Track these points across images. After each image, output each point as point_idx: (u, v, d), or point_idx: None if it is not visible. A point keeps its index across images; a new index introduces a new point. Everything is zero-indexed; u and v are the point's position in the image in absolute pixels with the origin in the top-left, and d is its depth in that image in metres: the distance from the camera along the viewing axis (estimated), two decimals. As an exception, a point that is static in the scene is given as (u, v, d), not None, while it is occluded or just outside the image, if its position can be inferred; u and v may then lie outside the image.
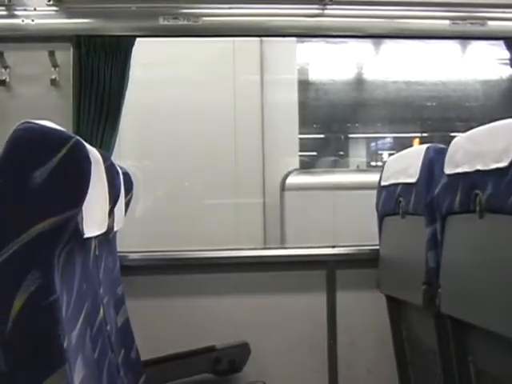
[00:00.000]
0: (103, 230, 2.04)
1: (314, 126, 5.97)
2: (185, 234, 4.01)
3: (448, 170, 2.33)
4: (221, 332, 3.36)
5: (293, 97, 4.80)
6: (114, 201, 2.20)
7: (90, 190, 1.49)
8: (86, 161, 1.48)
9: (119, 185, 2.34)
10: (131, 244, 3.46)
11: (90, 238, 1.87)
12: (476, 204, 2.10)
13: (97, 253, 2.12)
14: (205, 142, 4.37)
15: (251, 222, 4.50)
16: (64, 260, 1.52)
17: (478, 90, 5.55)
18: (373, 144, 7.40)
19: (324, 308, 3.51)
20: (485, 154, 2.04)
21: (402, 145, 5.65)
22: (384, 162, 3.45)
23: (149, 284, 3.40)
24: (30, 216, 1.41)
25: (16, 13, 3.32)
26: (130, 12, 3.38)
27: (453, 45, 5.15)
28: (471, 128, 2.23)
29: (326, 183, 4.84)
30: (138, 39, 3.37)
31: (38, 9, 3.32)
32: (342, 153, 6.34)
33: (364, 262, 3.46)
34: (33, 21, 3.32)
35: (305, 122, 5.14)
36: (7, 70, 3.34)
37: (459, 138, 2.30)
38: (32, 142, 1.44)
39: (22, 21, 3.32)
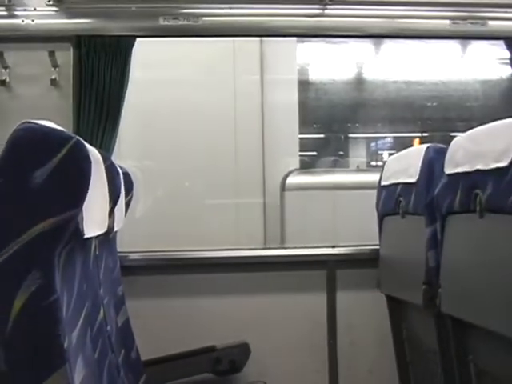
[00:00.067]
0: (103, 230, 2.04)
1: (314, 125, 5.97)
2: (185, 234, 4.00)
3: (448, 170, 2.33)
4: (221, 332, 3.36)
5: (293, 97, 4.80)
6: (114, 201, 2.20)
7: (90, 190, 1.49)
8: (86, 161, 1.48)
9: (119, 185, 2.34)
10: (131, 244, 3.46)
11: (90, 238, 1.88)
12: (476, 204, 2.10)
13: (97, 253, 2.12)
14: (205, 142, 4.37)
15: (251, 221, 4.49)
16: (64, 260, 1.52)
17: (478, 90, 5.55)
18: (373, 144, 7.40)
19: (324, 308, 3.51)
20: (485, 154, 2.04)
21: (402, 145, 5.64)
22: (384, 162, 3.45)
23: (149, 284, 3.40)
24: (30, 216, 1.41)
25: (16, 13, 3.32)
26: (130, 12, 3.38)
27: (453, 44, 5.15)
28: (471, 128, 2.23)
29: (326, 183, 4.83)
30: (138, 39, 3.37)
31: (38, 9, 3.32)
32: (342, 153, 6.33)
33: (364, 261, 3.46)
34: (33, 21, 3.32)
35: (305, 122, 5.13)
36: (7, 70, 3.34)
37: (459, 138, 2.30)
38: (32, 142, 1.44)
39: (22, 21, 3.32)
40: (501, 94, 5.44)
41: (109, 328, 2.21)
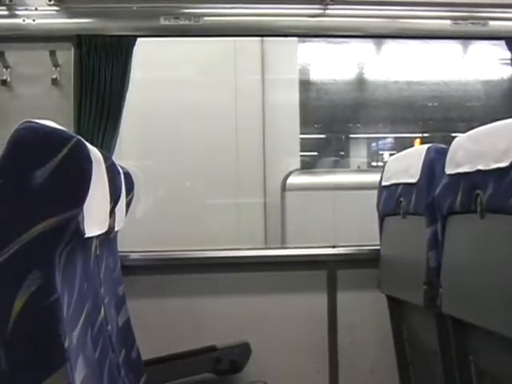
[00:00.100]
0: (104, 229, 2.04)
1: (315, 126, 5.97)
2: (186, 234, 4.01)
3: (449, 170, 2.33)
4: (221, 332, 3.36)
5: (294, 97, 4.80)
6: (114, 201, 2.20)
7: (90, 190, 1.49)
8: (87, 160, 1.48)
9: (120, 185, 2.34)
10: (131, 244, 3.46)
11: (90, 238, 1.88)
12: (477, 204, 2.10)
13: (98, 253, 2.12)
14: (206, 141, 4.37)
15: (252, 221, 4.50)
16: (65, 260, 1.52)
17: (479, 90, 5.55)
18: (374, 144, 7.40)
19: (325, 308, 3.51)
20: (486, 154, 2.04)
21: (403, 145, 5.65)
22: (385, 162, 3.45)
23: (150, 284, 3.40)
24: (30, 216, 1.41)
25: (17, 12, 3.32)
26: (131, 12, 3.38)
27: (454, 45, 5.15)
28: (472, 128, 2.23)
29: (326, 183, 4.84)
30: (139, 39, 3.37)
31: (39, 8, 3.32)
32: (342, 153, 6.34)
33: (365, 262, 3.46)
34: (34, 20, 3.32)
35: (306, 122, 5.14)
36: (8, 69, 3.34)
37: (460, 138, 2.30)
38: (33, 142, 1.44)
39: (23, 20, 3.32)
40: (502, 94, 5.44)
41: (109, 328, 2.21)
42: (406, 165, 2.93)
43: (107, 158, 2.04)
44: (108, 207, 2.06)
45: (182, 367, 3.22)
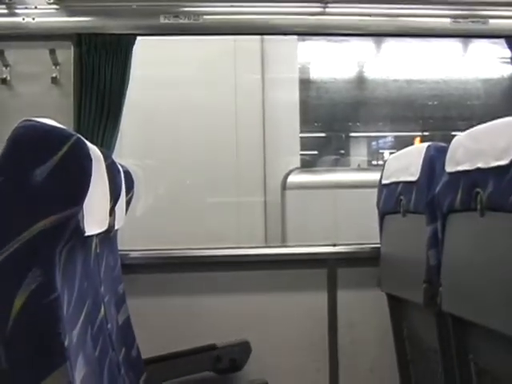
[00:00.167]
0: (104, 228, 2.04)
1: (315, 124, 5.97)
2: (186, 233, 4.01)
3: (449, 168, 2.33)
4: (222, 330, 3.36)
5: (294, 95, 4.80)
6: (114, 199, 2.20)
7: (90, 188, 1.49)
8: (87, 159, 1.48)
9: (120, 183, 2.34)
10: (132, 243, 3.46)
11: (91, 237, 1.88)
12: (477, 202, 2.10)
13: (98, 251, 2.12)
14: (206, 140, 4.37)
15: (252, 220, 4.50)
16: (65, 258, 1.52)
17: (479, 89, 5.55)
18: (374, 143, 7.40)
19: (325, 306, 3.51)
20: (486, 152, 2.04)
21: (403, 143, 5.64)
22: (385, 161, 3.45)
23: (150, 282, 3.40)
24: (30, 214, 1.41)
25: (17, 11, 3.32)
26: (131, 10, 3.37)
27: (454, 43, 5.15)
28: (472, 127, 2.23)
29: (327, 182, 4.84)
30: (138, 37, 3.37)
31: (38, 7, 3.32)
32: (343, 151, 6.34)
33: (365, 260, 3.46)
34: (33, 19, 3.32)
35: (306, 121, 5.14)
36: (8, 68, 3.34)
37: (460, 136, 2.30)
38: (33, 140, 1.44)
39: (23, 19, 3.32)
40: (502, 92, 5.44)
41: (109, 326, 2.21)
42: (406, 163, 2.93)
43: (107, 157, 2.04)
44: (108, 206, 2.06)
45: (182, 366, 3.22)
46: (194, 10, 3.39)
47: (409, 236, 2.94)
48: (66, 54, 3.35)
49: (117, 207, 2.30)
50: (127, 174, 2.74)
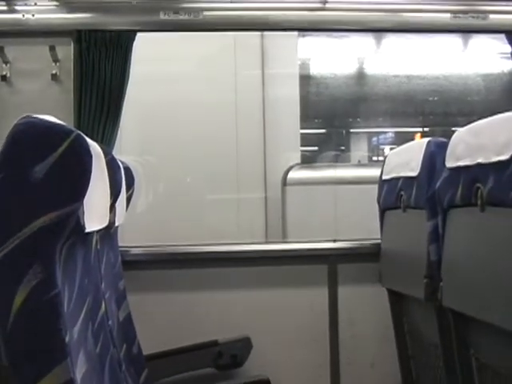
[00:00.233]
0: (104, 224, 2.04)
1: (316, 120, 5.98)
2: (186, 229, 4.01)
3: (449, 164, 2.33)
4: (223, 326, 3.36)
5: (294, 91, 4.80)
6: (115, 195, 2.20)
7: (91, 185, 1.49)
8: (87, 155, 1.48)
9: (120, 179, 2.34)
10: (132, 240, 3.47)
11: (91, 233, 1.88)
12: (477, 197, 2.10)
13: (98, 247, 2.12)
14: (206, 136, 4.37)
15: (253, 216, 4.50)
16: (65, 254, 1.52)
17: (479, 84, 5.55)
18: (374, 138, 7.41)
19: (326, 302, 3.51)
20: (486, 147, 2.04)
21: (403, 139, 5.65)
22: (385, 156, 3.45)
23: (150, 279, 3.40)
24: (31, 210, 1.41)
25: (16, 8, 3.32)
26: (131, 6, 3.37)
27: (454, 38, 5.15)
28: (473, 122, 2.23)
29: (327, 178, 4.84)
30: (138, 34, 3.37)
31: (38, 3, 3.32)
32: (343, 147, 6.35)
33: (366, 256, 3.46)
34: (33, 16, 3.32)
35: (306, 117, 5.14)
36: (8, 65, 3.34)
37: (460, 132, 2.30)
38: (33, 137, 1.44)
39: (23, 16, 3.31)
40: (502, 87, 5.44)
41: (110, 323, 2.21)
42: (406, 158, 2.93)
43: (107, 153, 2.04)
44: (108, 202, 2.06)
45: (183, 362, 3.22)
46: (194, 6, 3.39)
47: (409, 231, 2.94)
48: (66, 51, 3.35)
49: (117, 204, 2.30)
50: (127, 170, 2.74)
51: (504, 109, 2.02)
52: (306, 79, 5.19)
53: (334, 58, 5.50)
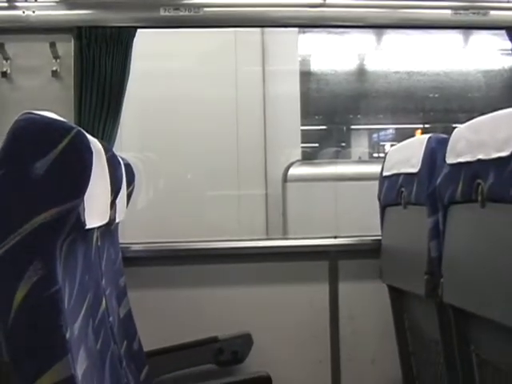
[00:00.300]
0: (105, 221, 2.05)
1: (316, 117, 5.98)
2: (187, 226, 4.01)
3: (450, 160, 2.33)
4: (223, 323, 3.36)
5: (295, 88, 4.79)
6: (115, 192, 2.20)
7: (91, 181, 1.49)
8: (88, 151, 1.48)
9: (121, 176, 2.34)
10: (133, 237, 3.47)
11: (91, 229, 1.88)
12: (478, 193, 2.10)
13: (99, 244, 2.12)
14: (207, 133, 4.36)
15: (253, 212, 4.50)
16: (66, 251, 1.52)
17: (480, 81, 5.55)
18: (375, 135, 7.41)
19: (326, 298, 3.51)
20: (486, 144, 2.04)
21: (404, 136, 5.64)
22: (386, 153, 3.45)
23: (151, 275, 3.41)
24: (31, 207, 1.41)
25: (17, 4, 3.31)
26: (131, 3, 3.37)
27: (455, 35, 5.14)
28: (473, 119, 2.23)
29: (328, 174, 4.84)
30: (139, 30, 3.37)
31: (38, 0, 3.32)
32: (343, 144, 6.34)
33: (366, 252, 3.46)
34: (34, 12, 3.31)
35: (307, 114, 5.13)
36: (8, 61, 3.34)
37: (461, 128, 2.30)
38: (33, 133, 1.44)
39: (23, 12, 3.31)
40: (503, 84, 5.43)
41: (111, 319, 2.22)
42: (407, 155, 2.93)
43: (108, 150, 2.04)
44: (109, 198, 2.06)
45: (184, 358, 3.22)
46: (194, 3, 3.39)
47: (410, 228, 2.94)
48: (67, 47, 3.35)
49: (118, 200, 2.30)
50: (128, 166, 2.74)
51: (505, 105, 2.02)
52: (306, 76, 5.19)
53: (335, 55, 5.49)
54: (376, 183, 3.34)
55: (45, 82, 3.35)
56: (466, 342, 2.32)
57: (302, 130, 4.91)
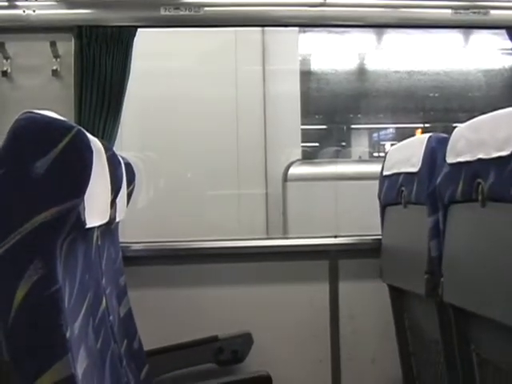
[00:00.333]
0: (105, 220, 2.05)
1: (316, 116, 5.98)
2: (187, 225, 4.01)
3: (450, 159, 2.33)
4: (223, 322, 3.36)
5: (295, 87, 4.79)
6: (116, 191, 2.20)
7: (91, 180, 1.50)
8: (88, 151, 1.49)
9: (121, 175, 2.34)
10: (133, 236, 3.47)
11: (92, 229, 1.88)
12: (478, 193, 2.10)
13: (99, 243, 2.12)
14: (207, 132, 4.36)
15: (254, 212, 4.50)
16: (66, 250, 1.52)
17: (480, 80, 5.55)
18: (375, 134, 7.41)
19: (327, 298, 3.51)
20: (487, 143, 2.04)
21: (404, 135, 5.64)
22: (386, 152, 3.45)
23: (151, 274, 3.41)
24: (31, 206, 1.41)
25: (17, 3, 3.31)
26: (132, 2, 3.37)
27: (455, 34, 5.14)
28: (474, 118, 2.23)
29: (328, 174, 4.83)
30: (139, 30, 3.37)
31: (39, -1, 3.33)
32: (344, 143, 6.34)
33: (366, 251, 3.46)
34: (34, 11, 3.31)
35: (307, 113, 5.13)
36: (8, 60, 3.33)
37: (461, 127, 2.30)
38: (33, 132, 1.44)
39: (24, 11, 3.31)
40: (503, 83, 5.44)
41: (111, 318, 2.22)
42: (407, 154, 2.93)
43: (108, 149, 2.04)
44: (109, 198, 2.06)
45: (184, 358, 3.23)
46: (195, 2, 3.38)
47: (410, 227, 2.94)
48: (67, 47, 3.34)
49: (118, 199, 2.30)
50: (128, 166, 2.74)
51: (505, 104, 2.02)
52: (306, 75, 5.19)
53: (335, 54, 5.49)
54: (376, 183, 3.34)
55: (45, 81, 3.35)
56: (466, 341, 2.32)
57: (302, 130, 4.91)
